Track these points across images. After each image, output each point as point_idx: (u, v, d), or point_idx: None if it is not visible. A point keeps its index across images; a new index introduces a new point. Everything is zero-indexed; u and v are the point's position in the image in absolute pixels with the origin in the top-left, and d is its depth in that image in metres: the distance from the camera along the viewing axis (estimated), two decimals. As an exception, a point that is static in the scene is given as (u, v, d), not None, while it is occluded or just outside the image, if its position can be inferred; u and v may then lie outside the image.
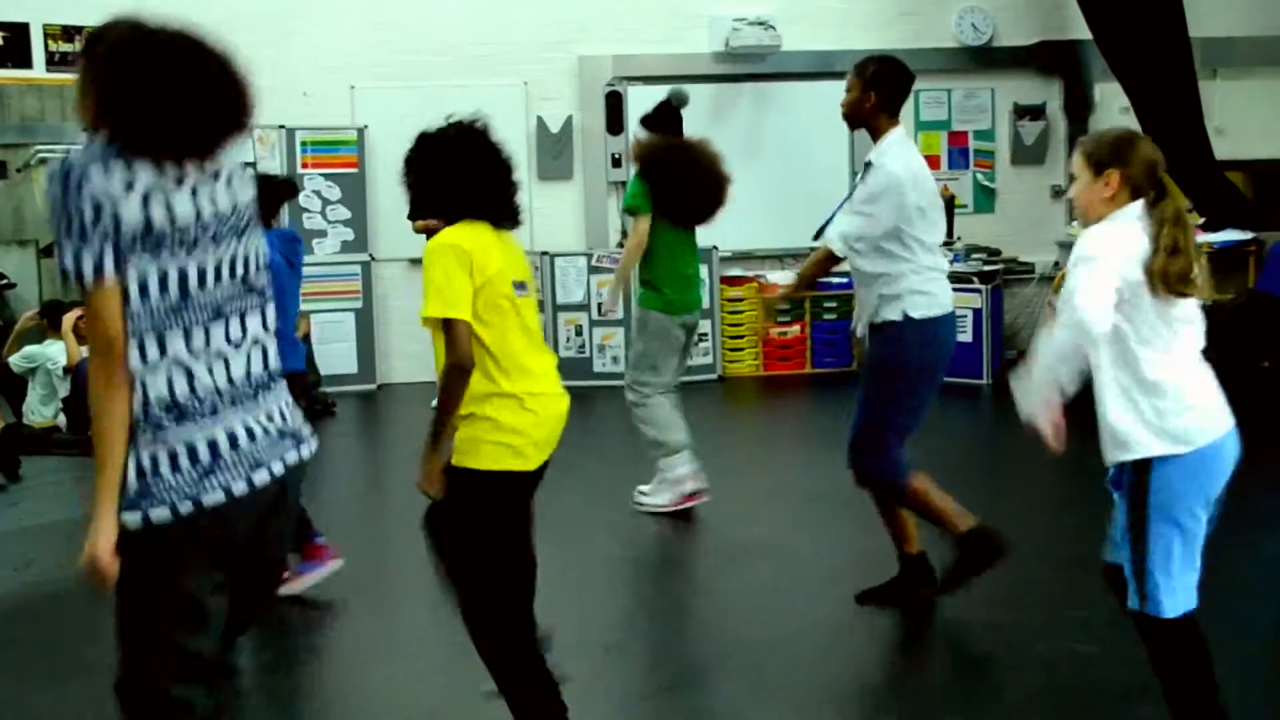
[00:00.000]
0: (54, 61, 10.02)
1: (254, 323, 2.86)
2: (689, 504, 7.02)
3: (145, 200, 2.61)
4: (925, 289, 5.18)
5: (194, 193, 2.69)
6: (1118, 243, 3.60)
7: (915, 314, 5.16)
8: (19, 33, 9.82)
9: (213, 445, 2.73)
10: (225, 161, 2.79)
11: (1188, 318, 3.67)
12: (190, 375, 2.71)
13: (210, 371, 2.74)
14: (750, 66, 11.75)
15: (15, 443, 8.84)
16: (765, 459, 8.79)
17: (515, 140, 11.88)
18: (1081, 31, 11.23)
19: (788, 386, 11.20)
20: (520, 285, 3.87)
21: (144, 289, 2.63)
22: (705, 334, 11.35)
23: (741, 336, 11.59)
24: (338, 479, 8.16)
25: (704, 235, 10.67)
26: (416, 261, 10.50)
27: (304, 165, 10.92)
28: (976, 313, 10.72)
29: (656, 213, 6.85)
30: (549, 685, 3.85)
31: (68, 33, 10.05)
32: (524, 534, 3.92)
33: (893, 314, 5.18)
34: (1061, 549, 6.30)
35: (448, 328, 3.66)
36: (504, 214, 3.93)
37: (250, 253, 2.84)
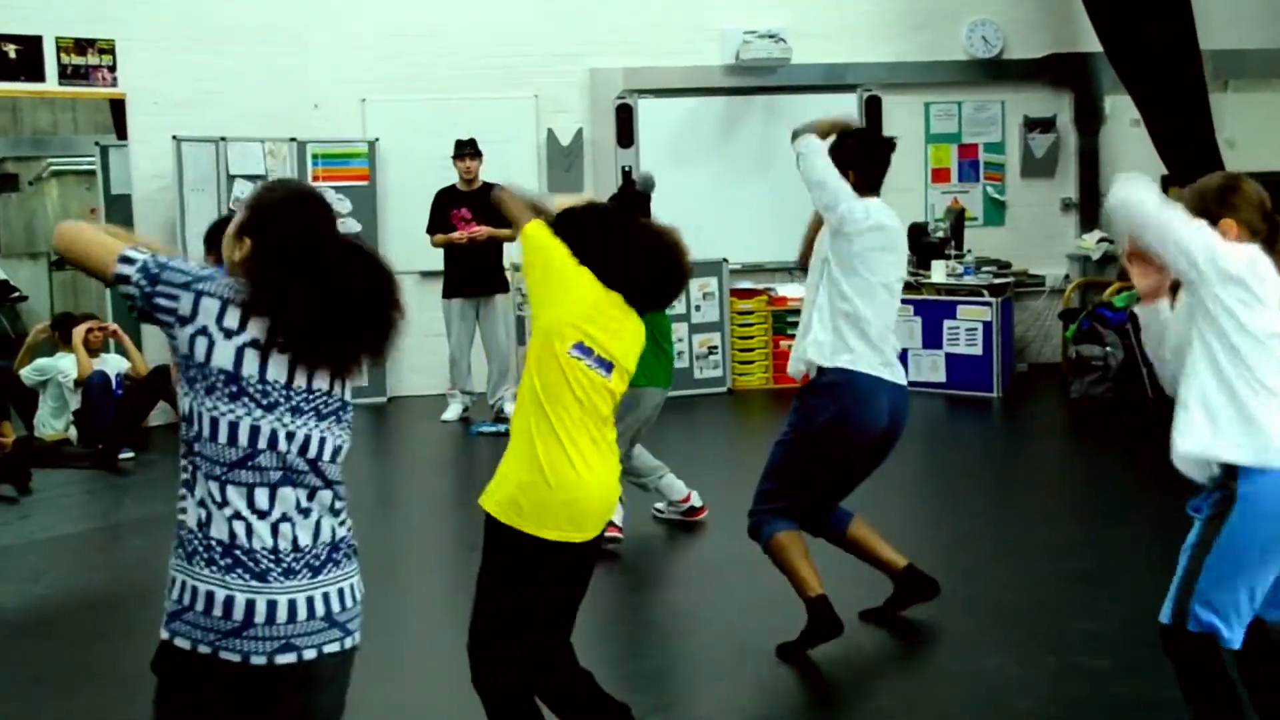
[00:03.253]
0: (66, 75, 10.04)
1: (324, 498, 2.90)
2: (693, 519, 7.15)
3: (240, 350, 2.74)
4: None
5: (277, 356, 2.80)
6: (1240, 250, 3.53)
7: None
8: (32, 46, 9.83)
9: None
10: None
11: None
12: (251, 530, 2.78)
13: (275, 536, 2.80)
14: (760, 79, 11.75)
15: (26, 455, 8.85)
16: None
17: (526, 153, 11.97)
18: (1092, 44, 11.22)
19: (798, 399, 11.19)
20: (609, 365, 3.69)
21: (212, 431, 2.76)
22: (715, 347, 11.35)
23: (752, 350, 11.58)
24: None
25: (714, 248, 10.77)
26: (427, 274, 10.54)
27: (315, 178, 10.89)
28: (987, 325, 10.70)
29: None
30: None
31: (80, 46, 10.06)
32: (557, 601, 3.81)
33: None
34: (1071, 562, 6.30)
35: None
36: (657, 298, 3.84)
37: (329, 439, 2.87)
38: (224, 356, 2.69)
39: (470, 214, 9.95)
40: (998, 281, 11.02)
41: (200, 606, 2.72)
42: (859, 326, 5.00)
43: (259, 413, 2.72)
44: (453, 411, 10.37)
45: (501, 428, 9.68)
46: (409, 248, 10.27)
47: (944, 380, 10.75)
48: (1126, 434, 9.26)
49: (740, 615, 5.73)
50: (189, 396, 2.75)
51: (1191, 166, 10.48)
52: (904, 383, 5.17)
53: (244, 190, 10.48)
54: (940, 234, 11.28)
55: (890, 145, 5.26)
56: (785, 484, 5.22)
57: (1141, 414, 9.53)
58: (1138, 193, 3.57)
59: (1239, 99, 11.79)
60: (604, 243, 3.72)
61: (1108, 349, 10.10)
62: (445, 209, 10.09)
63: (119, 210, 10.34)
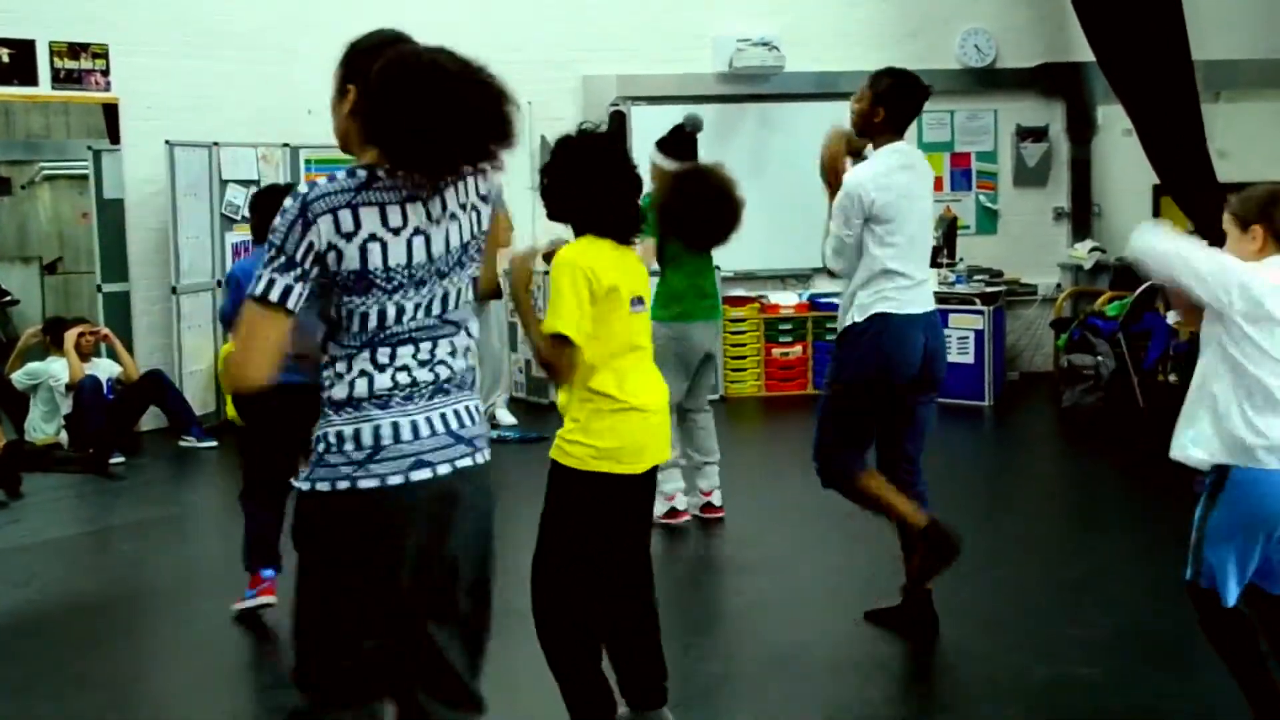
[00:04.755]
0: (59, 79, 10.02)
1: (444, 348, 3.00)
2: (670, 521, 7.20)
3: (363, 247, 2.83)
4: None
5: (410, 240, 2.89)
6: (1266, 271, 3.86)
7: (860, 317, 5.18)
8: (25, 50, 9.82)
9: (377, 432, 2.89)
10: (456, 202, 2.98)
11: None
12: (372, 381, 2.89)
13: (394, 380, 2.91)
14: (754, 87, 11.78)
15: (17, 459, 8.83)
16: (767, 478, 8.79)
17: (519, 160, 11.84)
18: (1084, 53, 11.25)
19: (790, 407, 11.19)
20: (637, 301, 4.07)
21: (348, 322, 2.87)
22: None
23: (744, 357, 11.59)
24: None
25: (706, 255, 10.75)
26: (420, 280, 10.52)
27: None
28: (978, 334, 10.72)
29: (669, 236, 6.80)
30: (597, 676, 4.14)
31: (73, 50, 10.05)
32: (610, 535, 4.09)
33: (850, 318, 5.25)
34: (1062, 570, 6.31)
35: (557, 340, 3.89)
36: (626, 229, 4.10)
37: (450, 291, 2.98)
38: (351, 259, 2.81)
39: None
40: (989, 290, 11.04)
41: (334, 445, 2.86)
42: (889, 275, 5.14)
43: (384, 297, 2.86)
44: (444, 417, 10.35)
45: (494, 434, 9.69)
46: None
47: (936, 388, 10.75)
48: (1117, 443, 9.28)
49: (738, 618, 5.74)
50: (323, 300, 2.87)
51: (1183, 177, 10.53)
52: (931, 307, 5.27)
53: (237, 195, 10.49)
54: (933, 242, 11.28)
55: (924, 91, 5.28)
56: (839, 428, 5.28)
57: (1132, 423, 9.55)
58: (1151, 240, 3.94)
59: (1231, 109, 11.81)
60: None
61: (1099, 358, 10.11)
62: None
63: (111, 215, 10.33)
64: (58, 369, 9.62)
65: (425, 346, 2.94)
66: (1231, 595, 3.91)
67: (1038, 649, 5.22)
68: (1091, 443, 9.51)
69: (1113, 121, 11.93)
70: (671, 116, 11.62)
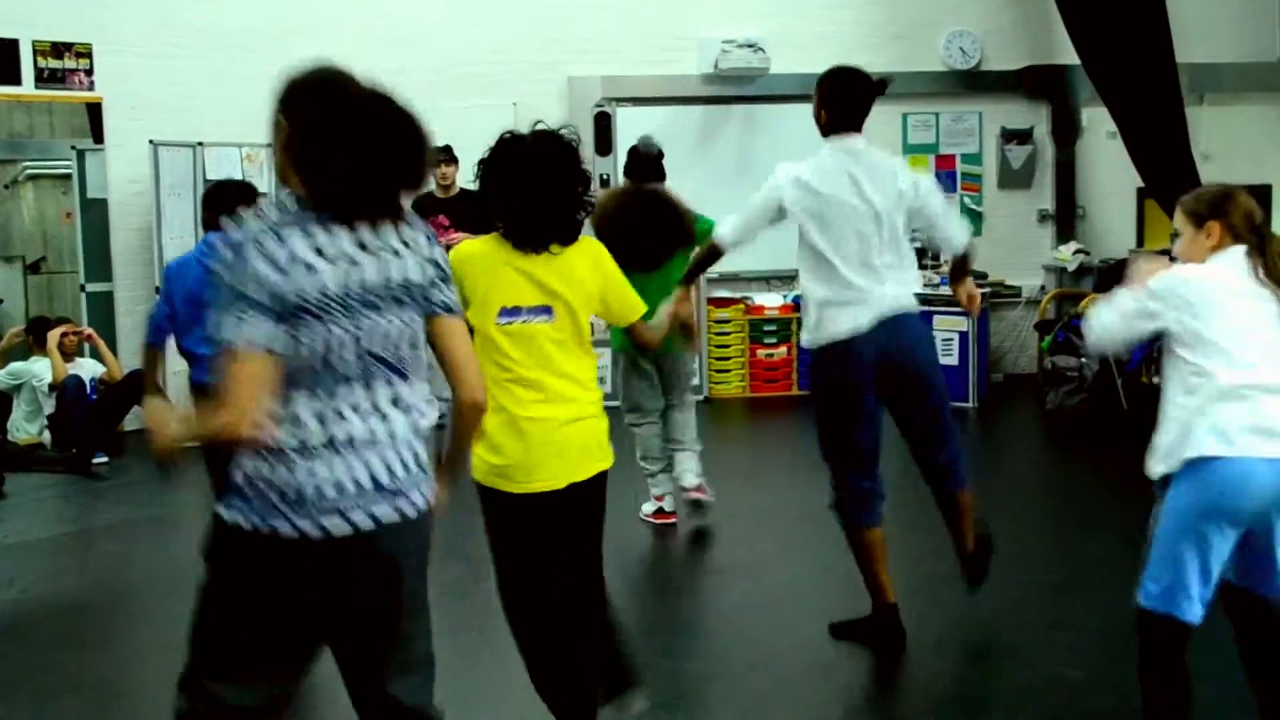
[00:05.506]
0: (42, 78, 9.99)
1: (383, 396, 2.95)
2: (657, 520, 7.25)
3: (290, 269, 2.78)
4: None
5: (337, 263, 2.85)
6: (1199, 276, 3.81)
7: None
8: (8, 49, 9.79)
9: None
10: (394, 237, 2.97)
11: None
12: (302, 428, 2.84)
13: (327, 433, 2.86)
14: (739, 89, 11.78)
15: (0, 459, 8.81)
16: (751, 480, 8.79)
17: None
18: (1069, 56, 11.28)
19: (774, 408, 11.21)
20: (530, 311, 3.89)
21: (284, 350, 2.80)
22: (693, 355, 11.34)
23: (728, 358, 11.60)
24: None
25: (692, 256, 10.73)
26: (404, 280, 10.50)
27: (292, 183, 10.87)
28: (963, 335, 10.74)
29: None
30: (572, 681, 4.06)
31: (57, 49, 10.02)
32: (530, 550, 3.98)
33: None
34: (1046, 572, 6.32)
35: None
36: (526, 238, 3.93)
37: (388, 328, 2.94)
38: (279, 283, 2.77)
39: (448, 220, 9.94)
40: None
41: (253, 481, 2.83)
42: (812, 301, 5.10)
43: (315, 324, 2.81)
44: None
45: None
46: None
47: (920, 390, 10.76)
48: (1101, 444, 9.30)
49: (722, 620, 5.73)
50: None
51: (1167, 179, 10.55)
52: (884, 313, 5.02)
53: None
54: (917, 244, 11.26)
55: (869, 85, 5.19)
56: (831, 449, 5.25)
57: (1116, 425, 9.57)
58: (1093, 324, 4.02)
59: (1214, 112, 11.85)
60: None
61: (1083, 360, 10.14)
62: (423, 215, 10.05)
63: (95, 215, 10.30)
64: (41, 369, 9.59)
65: (360, 391, 2.89)
66: (1194, 609, 3.67)
67: (1023, 650, 5.23)
68: (1075, 445, 9.53)
69: (1097, 124, 11.96)
70: (656, 118, 11.71)
